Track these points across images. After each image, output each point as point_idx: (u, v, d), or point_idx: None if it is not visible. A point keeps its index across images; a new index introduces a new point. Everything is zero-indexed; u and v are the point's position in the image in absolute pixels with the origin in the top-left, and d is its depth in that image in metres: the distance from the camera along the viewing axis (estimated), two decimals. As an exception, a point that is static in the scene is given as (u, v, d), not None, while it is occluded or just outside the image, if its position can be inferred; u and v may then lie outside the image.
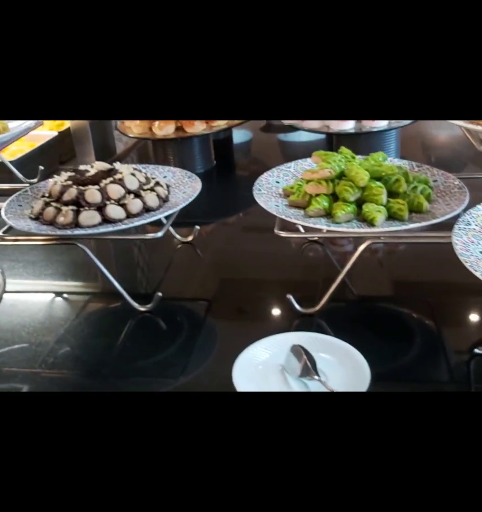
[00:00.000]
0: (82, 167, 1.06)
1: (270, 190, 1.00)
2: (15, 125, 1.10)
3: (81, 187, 0.99)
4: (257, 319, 1.00)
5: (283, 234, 0.89)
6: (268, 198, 0.97)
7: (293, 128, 1.62)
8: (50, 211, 0.98)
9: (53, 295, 1.11)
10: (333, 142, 1.58)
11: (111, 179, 1.00)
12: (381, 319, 0.95)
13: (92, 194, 0.97)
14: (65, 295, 1.11)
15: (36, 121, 1.10)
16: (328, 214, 0.91)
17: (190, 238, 1.21)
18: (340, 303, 0.98)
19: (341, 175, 0.94)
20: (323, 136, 1.75)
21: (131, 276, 1.18)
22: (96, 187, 0.99)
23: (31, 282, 1.15)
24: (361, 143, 1.46)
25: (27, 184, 1.25)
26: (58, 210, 0.97)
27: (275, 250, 1.20)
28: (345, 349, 0.79)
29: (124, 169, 1.05)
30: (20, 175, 1.22)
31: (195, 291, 1.10)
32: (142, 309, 0.97)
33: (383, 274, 1.07)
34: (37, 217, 1.00)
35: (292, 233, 0.95)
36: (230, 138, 1.84)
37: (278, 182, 1.04)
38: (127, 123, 1.59)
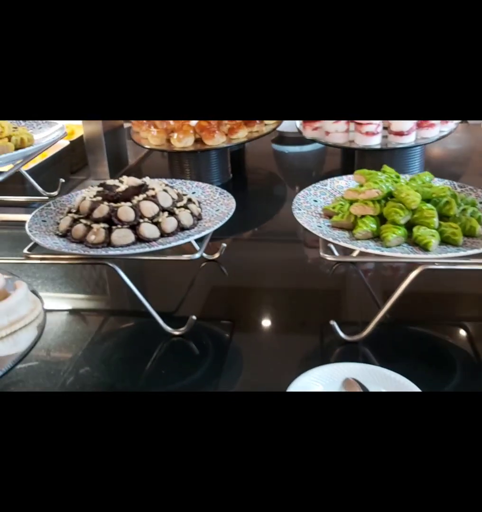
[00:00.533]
0: (110, 182, 1.01)
1: (309, 210, 0.96)
2: (40, 137, 1.05)
3: (112, 204, 0.94)
4: (290, 344, 0.95)
5: (329, 257, 0.85)
6: (309, 219, 0.92)
7: (311, 141, 1.58)
8: (79, 228, 0.93)
9: (74, 314, 1.06)
10: (354, 157, 1.54)
11: (144, 196, 0.95)
12: (426, 345, 0.92)
13: (126, 211, 0.92)
14: (87, 315, 1.06)
15: (63, 132, 1.04)
16: (376, 237, 0.87)
17: (216, 256, 1.16)
18: (381, 328, 0.94)
19: (387, 196, 0.90)
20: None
21: (155, 294, 1.13)
22: (129, 204, 0.94)
23: (51, 300, 1.10)
24: (385, 159, 1.42)
25: (46, 197, 1.20)
26: (89, 227, 0.92)
27: (303, 270, 1.16)
28: (401, 382, 0.75)
29: (155, 185, 1.00)
30: (40, 188, 1.17)
31: (222, 311, 1.05)
32: (176, 333, 0.92)
33: (421, 298, 1.03)
34: (65, 234, 0.95)
35: (340, 258, 0.91)
36: (243, 150, 1.81)
37: (315, 200, 1.00)
38: (144, 134, 1.54)
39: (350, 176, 1.06)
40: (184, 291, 1.11)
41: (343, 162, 1.71)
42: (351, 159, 1.57)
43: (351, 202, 0.92)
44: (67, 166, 1.62)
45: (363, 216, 0.88)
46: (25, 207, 1.41)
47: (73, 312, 1.06)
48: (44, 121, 1.14)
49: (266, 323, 1.01)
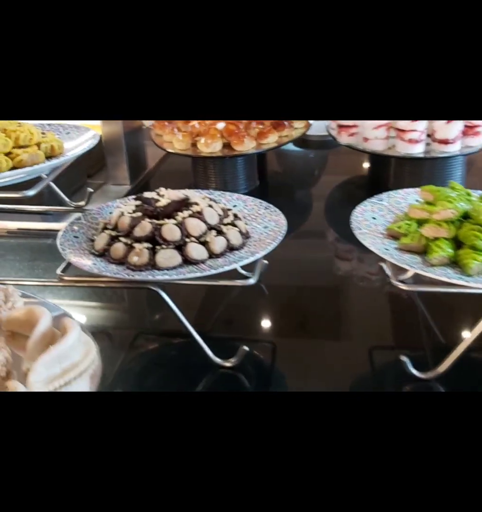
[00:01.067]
0: (148, 195, 0.92)
1: (369, 229, 0.88)
2: (71, 146, 0.95)
3: (155, 221, 0.85)
4: (346, 375, 0.87)
5: (403, 286, 0.76)
6: (373, 240, 0.84)
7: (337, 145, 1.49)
8: (119, 248, 0.84)
9: (109, 340, 0.96)
10: (387, 164, 1.45)
11: (189, 212, 0.87)
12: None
13: (171, 230, 0.83)
14: (123, 340, 0.96)
15: (97, 140, 0.95)
16: (452, 262, 0.79)
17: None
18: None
19: (461, 216, 0.82)
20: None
21: (191, 316, 1.04)
22: (173, 221, 0.85)
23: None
24: (426, 169, 1.35)
25: (71, 207, 1.11)
26: (130, 247, 0.84)
27: (348, 291, 1.08)
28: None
29: (198, 199, 0.91)
30: (66, 198, 1.07)
31: (266, 334, 0.97)
32: (227, 364, 0.84)
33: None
34: (102, 254, 0.86)
35: (417, 287, 0.82)
36: (265, 155, 1.71)
37: (374, 218, 0.91)
38: (167, 137, 1.45)
39: (407, 190, 0.98)
40: (222, 311, 1.02)
41: (372, 168, 1.62)
42: (382, 166, 1.49)
43: (418, 222, 0.84)
44: (84, 170, 1.52)
45: (435, 239, 0.80)
46: (42, 213, 1.32)
47: (108, 336, 0.96)
48: (71, 126, 1.04)
49: (314, 348, 0.92)
